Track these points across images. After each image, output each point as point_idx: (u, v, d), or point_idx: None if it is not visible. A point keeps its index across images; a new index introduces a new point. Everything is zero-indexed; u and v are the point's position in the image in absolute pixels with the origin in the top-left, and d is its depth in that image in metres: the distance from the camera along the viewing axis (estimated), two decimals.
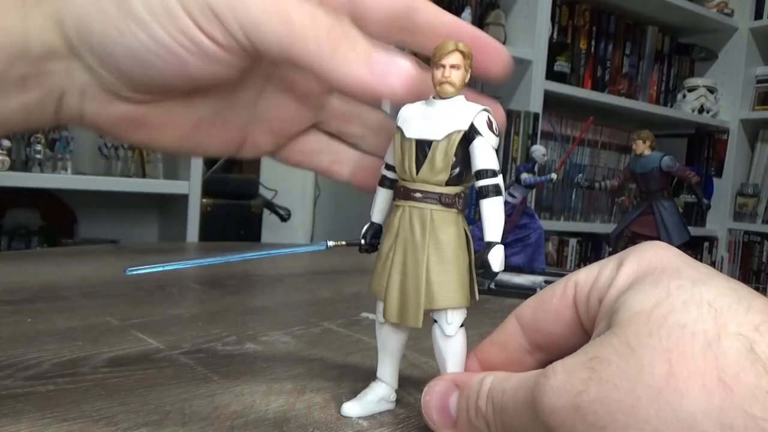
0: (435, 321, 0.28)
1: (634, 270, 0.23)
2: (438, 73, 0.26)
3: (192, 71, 0.24)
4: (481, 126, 0.26)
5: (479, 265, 0.26)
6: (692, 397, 0.18)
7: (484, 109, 0.27)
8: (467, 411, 0.24)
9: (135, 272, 0.27)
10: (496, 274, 0.26)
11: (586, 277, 0.25)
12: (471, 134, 0.26)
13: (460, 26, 0.28)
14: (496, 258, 0.26)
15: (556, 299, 0.26)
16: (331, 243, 0.29)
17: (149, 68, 0.24)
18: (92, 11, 0.23)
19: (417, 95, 0.26)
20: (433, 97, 0.27)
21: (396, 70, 0.23)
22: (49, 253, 0.94)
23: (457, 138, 0.26)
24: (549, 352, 0.27)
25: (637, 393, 0.18)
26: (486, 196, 0.26)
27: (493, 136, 0.27)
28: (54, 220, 1.46)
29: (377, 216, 0.30)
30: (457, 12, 1.78)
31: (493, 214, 0.26)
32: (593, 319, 0.24)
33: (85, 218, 1.52)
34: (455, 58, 0.26)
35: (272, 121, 0.30)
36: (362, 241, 0.30)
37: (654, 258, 0.23)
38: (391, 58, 0.23)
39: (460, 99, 0.27)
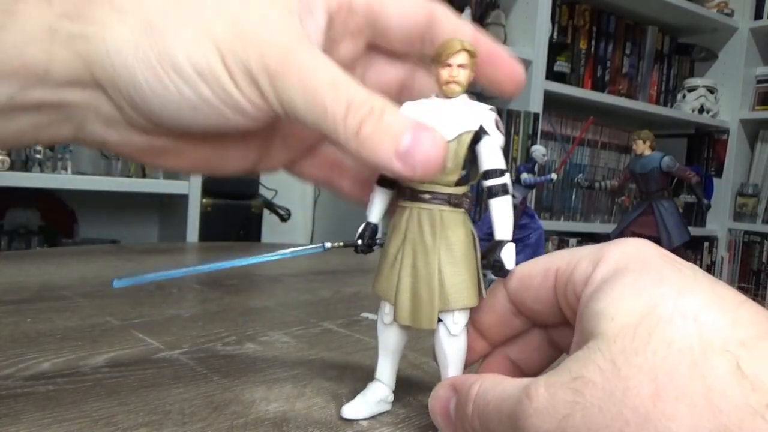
0: (440, 320, 0.27)
1: (612, 268, 0.22)
2: (445, 73, 0.26)
3: (225, 123, 0.25)
4: (490, 126, 0.26)
5: (490, 264, 0.27)
6: (681, 419, 0.17)
7: (491, 109, 0.27)
8: (460, 418, 0.24)
9: (123, 284, 0.26)
10: (509, 272, 0.27)
11: (567, 265, 0.25)
12: (479, 134, 0.26)
13: (477, 39, 0.28)
14: (509, 256, 0.27)
15: (537, 280, 0.26)
16: (328, 244, 0.29)
17: (183, 117, 0.24)
18: (131, 59, 0.23)
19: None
20: (437, 96, 0.27)
21: (423, 156, 0.23)
22: (49, 253, 0.94)
23: (468, 139, 0.26)
24: (533, 320, 0.28)
25: (624, 417, 0.18)
26: (495, 195, 0.26)
27: (500, 135, 0.27)
28: (54, 220, 1.46)
29: (374, 216, 0.30)
30: (457, 12, 1.78)
31: (503, 213, 0.27)
32: (572, 310, 0.24)
33: (85, 218, 1.52)
34: (462, 58, 0.26)
35: (286, 138, 0.30)
36: (359, 242, 0.29)
37: (633, 255, 0.22)
38: (419, 140, 0.23)
39: (465, 98, 0.27)
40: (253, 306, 0.56)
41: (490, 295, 0.28)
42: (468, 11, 1.78)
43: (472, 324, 0.29)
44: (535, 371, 0.28)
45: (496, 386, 0.22)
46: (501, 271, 0.27)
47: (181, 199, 1.36)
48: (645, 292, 0.20)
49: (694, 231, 1.78)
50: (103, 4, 0.23)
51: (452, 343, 0.27)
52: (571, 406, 0.19)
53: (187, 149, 0.28)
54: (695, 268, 0.22)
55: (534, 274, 0.26)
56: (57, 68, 0.23)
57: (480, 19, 1.83)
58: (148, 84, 0.23)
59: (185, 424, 0.27)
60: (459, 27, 0.28)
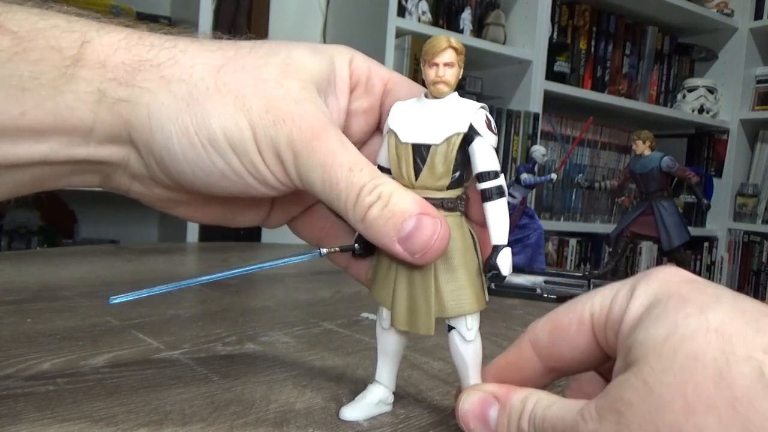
0: (452, 328, 0.27)
1: (642, 303, 0.23)
2: (431, 72, 0.25)
3: (247, 190, 0.27)
4: (480, 126, 0.26)
5: (488, 269, 0.26)
6: (711, 431, 0.18)
7: (482, 107, 0.26)
8: (508, 428, 0.24)
9: (119, 300, 0.26)
10: (506, 277, 0.26)
11: (600, 306, 0.25)
12: (470, 135, 0.25)
13: None
14: (505, 261, 0.25)
15: (572, 330, 0.26)
16: (324, 250, 0.28)
17: (210, 182, 0.26)
18: (169, 125, 0.25)
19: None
20: (426, 96, 0.26)
21: (423, 242, 0.25)
22: (49, 253, 0.94)
23: (457, 141, 0.25)
24: (565, 372, 0.27)
25: None
26: (490, 198, 0.25)
27: (492, 135, 0.26)
28: (54, 220, 1.46)
29: None
30: (457, 12, 1.78)
31: (499, 216, 0.26)
32: (613, 349, 0.24)
33: (85, 218, 1.52)
34: (449, 56, 0.25)
35: (292, 200, 0.32)
36: (356, 246, 0.29)
37: (661, 286, 0.23)
38: (420, 227, 0.25)
39: (454, 97, 0.26)
40: (253, 306, 0.56)
41: (516, 355, 0.28)
42: (468, 11, 1.78)
43: (497, 381, 0.28)
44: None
45: (552, 405, 0.23)
46: (497, 278, 0.26)
47: None
48: (669, 315, 0.21)
49: (694, 231, 1.78)
50: (153, 71, 0.25)
51: (469, 349, 0.27)
52: (615, 427, 0.20)
53: (203, 205, 0.30)
54: (719, 286, 0.22)
55: (566, 325, 0.26)
56: (99, 128, 0.25)
57: (480, 19, 1.83)
58: (182, 149, 0.25)
59: (185, 424, 0.27)
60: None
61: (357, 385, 0.32)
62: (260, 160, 0.25)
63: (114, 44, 0.25)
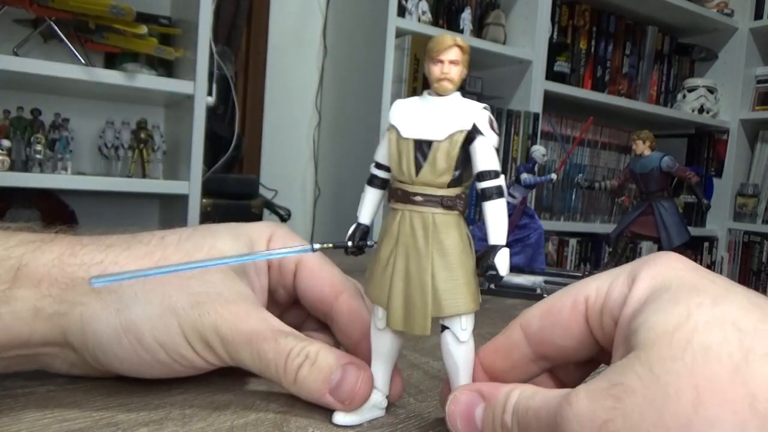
0: (446, 328, 0.27)
1: (648, 286, 0.22)
2: (436, 69, 0.25)
3: (176, 374, 0.30)
4: (483, 125, 0.26)
5: (485, 270, 0.26)
6: (724, 426, 0.17)
7: (485, 107, 0.26)
8: (492, 424, 0.24)
9: (101, 283, 0.27)
10: (503, 277, 0.26)
11: (597, 291, 0.24)
12: (472, 134, 0.25)
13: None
14: (503, 261, 0.25)
15: (565, 313, 0.25)
16: (317, 245, 0.28)
17: (140, 371, 0.30)
18: (102, 330, 0.28)
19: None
20: (429, 93, 0.26)
21: (349, 389, 0.28)
22: None
23: (460, 138, 0.25)
24: (554, 361, 0.27)
25: (665, 423, 0.18)
26: (489, 198, 0.25)
27: (495, 135, 0.26)
28: (54, 220, 1.45)
29: (365, 217, 0.29)
30: (457, 12, 1.78)
31: (498, 216, 0.25)
32: (608, 336, 0.24)
33: (85, 218, 1.52)
34: (454, 54, 0.25)
35: None
36: (349, 243, 0.29)
37: (668, 272, 0.22)
38: (346, 377, 0.28)
39: (457, 96, 0.26)
40: None
41: (506, 340, 0.28)
42: (468, 11, 1.78)
43: (484, 369, 0.28)
44: None
45: (535, 395, 0.22)
46: (494, 278, 0.25)
47: (181, 199, 1.36)
48: (681, 303, 0.20)
49: (694, 231, 1.78)
50: (84, 286, 0.28)
51: (461, 350, 0.27)
52: (611, 412, 0.19)
53: None
54: (728, 279, 0.22)
55: (559, 308, 0.26)
56: (36, 337, 0.28)
57: (480, 19, 1.83)
58: (113, 349, 0.29)
59: (185, 424, 0.27)
60: (358, 311, 0.33)
61: None
62: (190, 351, 0.29)
63: (48, 264, 0.28)
